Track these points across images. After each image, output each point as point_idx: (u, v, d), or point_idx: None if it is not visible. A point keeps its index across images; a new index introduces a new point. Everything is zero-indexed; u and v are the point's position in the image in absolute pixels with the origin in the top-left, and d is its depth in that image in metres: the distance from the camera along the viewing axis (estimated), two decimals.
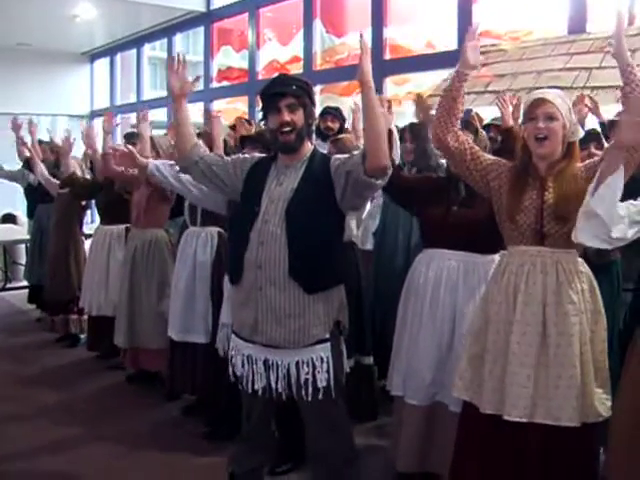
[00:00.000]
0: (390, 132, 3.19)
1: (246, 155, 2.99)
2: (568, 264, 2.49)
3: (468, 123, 3.25)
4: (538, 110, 2.50)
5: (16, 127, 6.58)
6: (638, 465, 2.35)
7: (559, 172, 2.52)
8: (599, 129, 3.93)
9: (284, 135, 2.64)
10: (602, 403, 2.48)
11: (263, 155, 2.96)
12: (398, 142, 3.68)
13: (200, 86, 10.66)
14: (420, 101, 4.00)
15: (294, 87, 2.64)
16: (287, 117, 2.62)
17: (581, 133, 2.64)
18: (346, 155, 2.70)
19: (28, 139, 6.47)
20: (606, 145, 3.50)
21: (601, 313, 2.53)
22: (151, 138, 4.58)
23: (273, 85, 2.68)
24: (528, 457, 2.53)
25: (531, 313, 2.47)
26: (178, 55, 2.84)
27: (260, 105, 2.75)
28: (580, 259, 2.53)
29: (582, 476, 2.55)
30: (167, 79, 2.85)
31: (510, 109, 3.55)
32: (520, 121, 3.23)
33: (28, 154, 6.42)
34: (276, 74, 2.99)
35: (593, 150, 3.45)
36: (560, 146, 2.53)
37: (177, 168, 3.35)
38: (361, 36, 2.53)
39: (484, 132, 3.51)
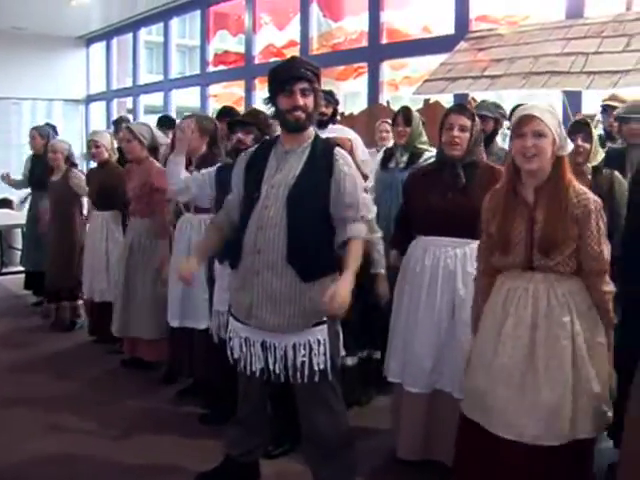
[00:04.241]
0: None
1: (241, 164, 2.90)
2: (562, 287, 2.43)
3: (464, 108, 3.23)
4: (526, 128, 2.40)
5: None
6: None
7: (549, 199, 2.43)
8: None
9: (295, 114, 2.64)
10: (600, 416, 2.43)
11: (258, 145, 2.96)
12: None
13: (196, 70, 10.61)
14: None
15: (309, 72, 2.65)
16: (301, 101, 2.63)
17: (570, 147, 2.53)
18: (347, 190, 2.67)
19: None
20: (595, 136, 3.41)
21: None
22: (129, 127, 4.60)
23: (289, 68, 2.67)
24: (520, 471, 2.47)
25: (517, 336, 2.43)
26: None
27: (267, 85, 2.73)
28: (576, 277, 2.45)
29: None
30: None
31: None
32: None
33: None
34: (280, 59, 2.96)
35: (580, 142, 3.33)
36: (550, 162, 2.44)
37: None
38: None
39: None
